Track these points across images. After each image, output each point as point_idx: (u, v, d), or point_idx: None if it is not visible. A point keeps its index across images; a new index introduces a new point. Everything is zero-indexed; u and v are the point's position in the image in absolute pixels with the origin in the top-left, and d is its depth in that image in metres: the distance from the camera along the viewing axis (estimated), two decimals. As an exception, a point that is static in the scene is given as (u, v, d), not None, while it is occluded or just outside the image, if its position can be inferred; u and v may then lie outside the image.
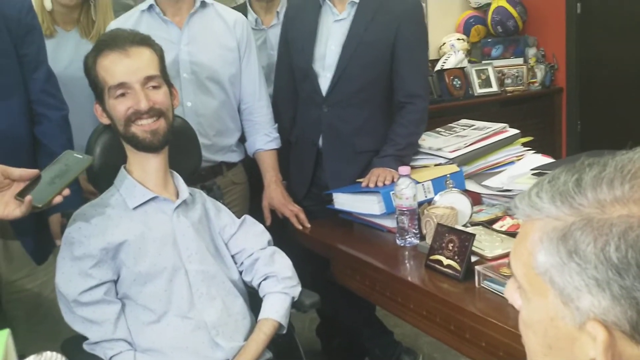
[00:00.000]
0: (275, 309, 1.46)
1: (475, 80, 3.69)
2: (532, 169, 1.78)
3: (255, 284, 1.53)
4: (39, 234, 1.61)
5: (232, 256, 1.55)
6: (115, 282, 1.39)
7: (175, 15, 1.89)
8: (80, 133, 1.70)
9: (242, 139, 2.06)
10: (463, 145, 1.96)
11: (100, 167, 1.51)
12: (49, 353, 0.84)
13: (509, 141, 2.04)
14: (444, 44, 3.89)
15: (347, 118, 1.96)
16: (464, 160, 1.93)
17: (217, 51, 1.92)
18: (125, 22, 1.86)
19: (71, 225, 1.40)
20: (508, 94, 3.80)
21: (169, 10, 1.89)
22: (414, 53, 1.94)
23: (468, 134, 2.05)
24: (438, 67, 3.72)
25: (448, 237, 1.43)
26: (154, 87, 1.43)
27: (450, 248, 1.42)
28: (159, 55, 1.48)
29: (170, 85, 1.51)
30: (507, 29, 3.89)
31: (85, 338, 1.35)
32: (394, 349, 2.23)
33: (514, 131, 2.06)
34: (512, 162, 1.98)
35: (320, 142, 2.01)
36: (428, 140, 2.05)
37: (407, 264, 1.58)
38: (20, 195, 1.22)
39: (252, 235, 1.57)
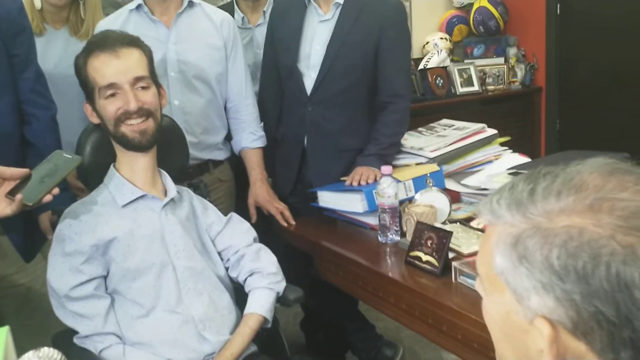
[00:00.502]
0: (261, 303, 1.50)
1: (457, 79, 3.73)
2: (508, 169, 1.84)
3: (241, 279, 1.57)
4: (26, 232, 1.63)
5: (219, 253, 1.58)
6: (105, 277, 1.42)
7: (163, 15, 1.92)
8: (69, 130, 1.72)
9: (229, 137, 2.10)
10: (443, 145, 2.00)
11: (90, 165, 1.54)
12: (46, 349, 0.86)
13: (487, 141, 2.08)
14: (428, 43, 3.93)
15: (331, 117, 2.00)
16: (444, 159, 1.98)
17: (204, 50, 1.94)
18: (113, 21, 1.88)
19: (62, 222, 1.42)
20: (489, 93, 3.85)
21: (156, 9, 1.91)
22: (396, 54, 1.98)
23: (448, 134, 2.09)
24: (421, 65, 3.76)
25: (427, 234, 1.48)
26: (143, 88, 1.46)
27: (429, 245, 1.47)
28: (148, 56, 1.51)
29: (158, 86, 1.54)
30: (489, 29, 3.94)
31: (75, 332, 1.38)
32: (376, 342, 2.27)
33: (492, 131, 2.11)
34: (490, 162, 2.03)
35: (305, 140, 2.04)
36: (410, 140, 2.09)
37: (388, 260, 1.62)
38: (11, 193, 1.25)
39: (239, 233, 1.61)
